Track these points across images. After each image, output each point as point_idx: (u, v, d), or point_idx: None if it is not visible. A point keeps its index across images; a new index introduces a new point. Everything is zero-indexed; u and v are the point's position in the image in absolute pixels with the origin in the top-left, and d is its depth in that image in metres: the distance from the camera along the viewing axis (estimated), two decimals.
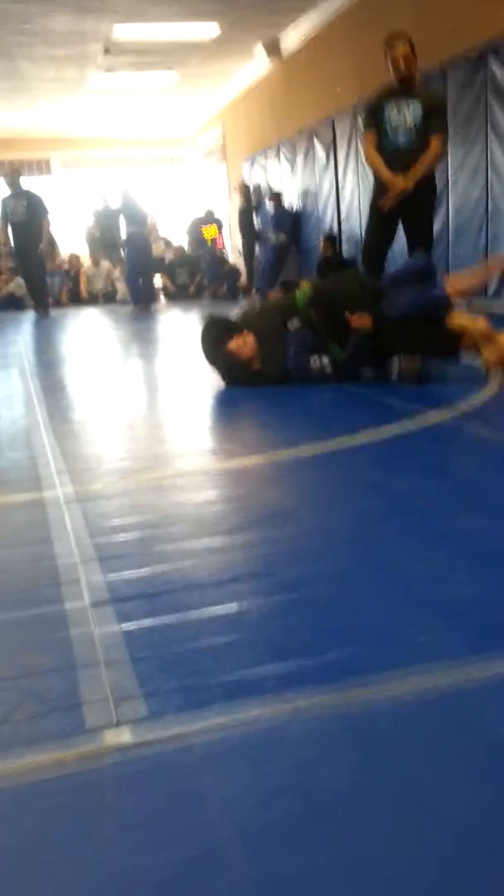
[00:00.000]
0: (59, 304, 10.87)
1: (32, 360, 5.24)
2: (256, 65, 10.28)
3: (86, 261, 11.79)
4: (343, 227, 8.77)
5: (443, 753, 0.92)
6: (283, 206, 10.11)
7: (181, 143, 15.40)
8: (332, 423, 2.84)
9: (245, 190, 11.30)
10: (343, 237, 8.79)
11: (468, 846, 0.78)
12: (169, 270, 11.43)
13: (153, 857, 0.79)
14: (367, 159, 4.66)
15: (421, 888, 0.73)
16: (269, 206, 10.43)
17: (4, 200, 8.55)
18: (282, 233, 10.03)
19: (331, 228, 9.00)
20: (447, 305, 3.23)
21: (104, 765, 0.94)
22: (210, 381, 3.65)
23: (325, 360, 3.36)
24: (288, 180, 10.19)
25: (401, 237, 4.63)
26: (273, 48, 9.47)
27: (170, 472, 2.29)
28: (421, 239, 4.46)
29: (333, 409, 3.19)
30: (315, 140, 9.06)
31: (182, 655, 1.18)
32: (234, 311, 4.32)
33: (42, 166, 15.04)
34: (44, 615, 1.36)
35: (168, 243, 12.12)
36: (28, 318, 8.93)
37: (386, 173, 4.36)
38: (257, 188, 11.33)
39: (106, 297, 11.31)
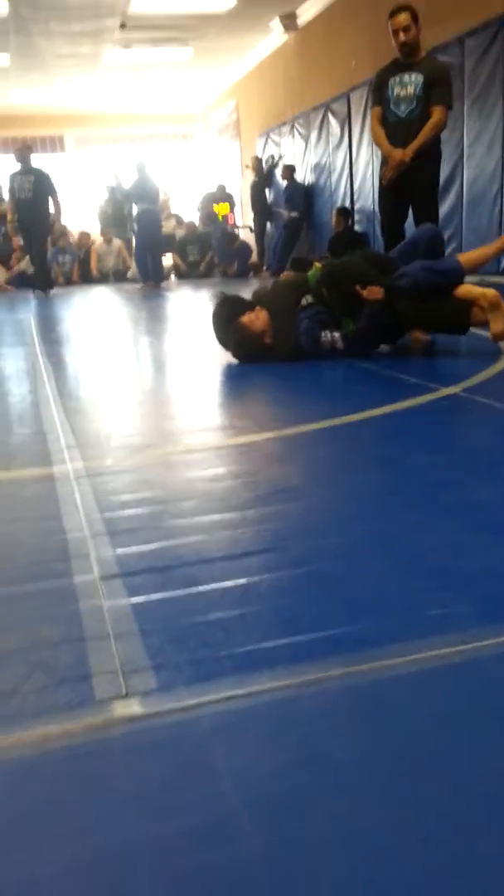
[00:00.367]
0: (69, 282, 10.82)
1: (41, 338, 5.23)
2: (272, 39, 10.13)
3: (97, 238, 11.72)
4: (356, 202, 8.70)
5: (454, 723, 0.92)
6: (296, 181, 10.00)
7: (194, 119, 15.25)
8: (342, 399, 2.82)
9: (258, 163, 11.17)
10: (355, 211, 8.72)
11: (480, 815, 0.77)
12: (180, 248, 11.35)
13: (163, 825, 0.79)
14: (372, 135, 4.60)
15: (430, 858, 0.73)
16: (280, 180, 10.32)
17: (12, 176, 8.46)
18: (294, 209, 9.93)
19: (343, 203, 8.92)
20: (459, 274, 3.19)
21: (114, 735, 0.94)
22: (220, 358, 3.64)
23: (337, 335, 3.34)
24: (301, 156, 10.08)
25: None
26: (290, 22, 9.34)
27: (179, 447, 2.28)
28: (425, 211, 4.37)
29: (344, 384, 3.16)
30: (329, 115, 8.95)
31: (192, 629, 1.18)
32: (246, 292, 4.29)
33: (56, 143, 14.95)
34: (53, 588, 1.36)
35: (180, 220, 12.03)
36: (38, 296, 8.91)
37: (386, 146, 4.29)
38: (270, 156, 11.18)
39: (117, 276, 11.27)
